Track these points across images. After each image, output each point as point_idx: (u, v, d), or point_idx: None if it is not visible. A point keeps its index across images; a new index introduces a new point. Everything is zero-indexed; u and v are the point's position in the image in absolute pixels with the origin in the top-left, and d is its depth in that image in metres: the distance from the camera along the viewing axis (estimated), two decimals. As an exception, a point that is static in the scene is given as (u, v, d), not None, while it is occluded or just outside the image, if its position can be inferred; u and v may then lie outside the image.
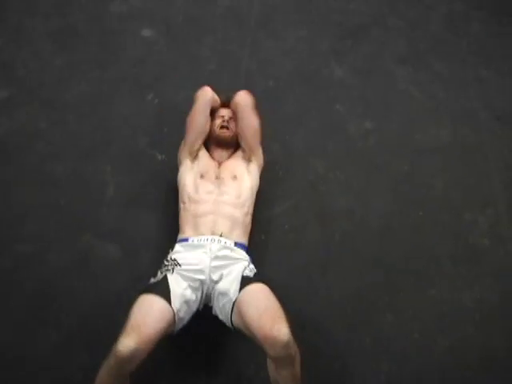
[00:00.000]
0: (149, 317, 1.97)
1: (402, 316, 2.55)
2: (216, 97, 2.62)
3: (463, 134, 3.17)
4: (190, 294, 2.15)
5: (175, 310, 2.05)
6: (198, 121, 2.56)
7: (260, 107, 2.89)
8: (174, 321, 2.05)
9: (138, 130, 2.95)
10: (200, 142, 2.59)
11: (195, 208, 2.40)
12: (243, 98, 2.56)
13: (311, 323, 2.48)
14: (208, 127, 2.61)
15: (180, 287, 2.13)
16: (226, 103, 2.66)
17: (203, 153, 2.62)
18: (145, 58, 3.26)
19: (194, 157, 2.57)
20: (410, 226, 2.82)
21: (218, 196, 2.44)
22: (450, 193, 2.95)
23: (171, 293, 2.07)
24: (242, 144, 2.62)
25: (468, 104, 3.32)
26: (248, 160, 2.59)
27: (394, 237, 2.78)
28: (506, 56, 3.56)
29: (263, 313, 1.98)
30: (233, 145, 2.68)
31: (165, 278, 2.15)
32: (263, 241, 2.67)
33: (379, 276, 2.65)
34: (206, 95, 2.56)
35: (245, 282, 2.15)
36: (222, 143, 2.66)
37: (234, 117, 2.62)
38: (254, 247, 2.48)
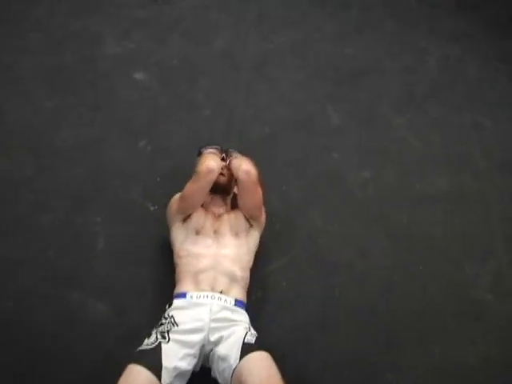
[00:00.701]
0: None
1: (404, 377, 2.44)
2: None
3: (462, 182, 3.11)
4: (185, 365, 2.04)
5: None
6: (199, 198, 2.44)
7: (256, 155, 2.79)
8: None
9: (131, 179, 2.85)
10: (199, 206, 2.49)
11: (194, 263, 2.31)
12: (247, 176, 2.37)
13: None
14: None
15: (175, 359, 2.02)
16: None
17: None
18: (137, 102, 3.17)
19: (187, 217, 2.46)
20: (411, 279, 2.72)
21: (218, 249, 2.36)
22: (450, 244, 2.87)
23: (163, 368, 1.95)
24: (243, 212, 2.51)
25: (466, 151, 3.26)
26: (249, 224, 2.50)
27: (395, 292, 2.68)
28: (503, 103, 3.53)
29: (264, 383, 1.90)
30: (229, 191, 2.59)
31: (158, 348, 2.03)
32: (260, 298, 2.55)
33: (380, 334, 2.54)
34: (212, 176, 2.35)
35: (246, 349, 2.05)
36: (219, 190, 2.55)
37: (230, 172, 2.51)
38: (250, 304, 2.38)
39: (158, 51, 3.42)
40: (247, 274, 2.40)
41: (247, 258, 2.43)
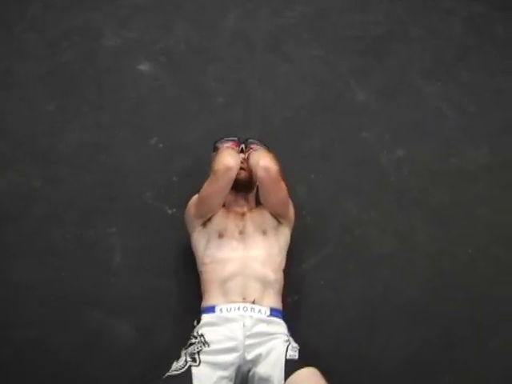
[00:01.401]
0: None
1: (462, 375, 2.23)
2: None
3: (506, 153, 2.86)
4: None
5: None
6: (219, 200, 2.21)
7: (278, 143, 2.63)
8: None
9: (144, 181, 2.62)
10: (219, 209, 2.26)
11: (220, 269, 2.10)
12: (266, 173, 2.12)
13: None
14: None
15: (208, 383, 1.79)
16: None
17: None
18: (145, 96, 2.93)
19: (207, 220, 2.23)
20: (461, 266, 2.51)
21: (245, 252, 2.14)
22: (498, 221, 2.64)
23: None
24: (269, 210, 2.27)
25: (505, 116, 3.00)
26: (277, 221, 2.27)
27: (444, 281, 2.46)
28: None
29: None
30: (251, 187, 2.36)
31: (188, 372, 1.82)
32: (297, 302, 2.34)
33: (432, 330, 2.34)
34: (231, 174, 2.11)
35: (290, 366, 1.84)
36: (240, 186, 2.32)
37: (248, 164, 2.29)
38: (286, 310, 2.16)
39: (161, 39, 3.15)
40: (281, 276, 2.18)
41: (279, 259, 2.20)
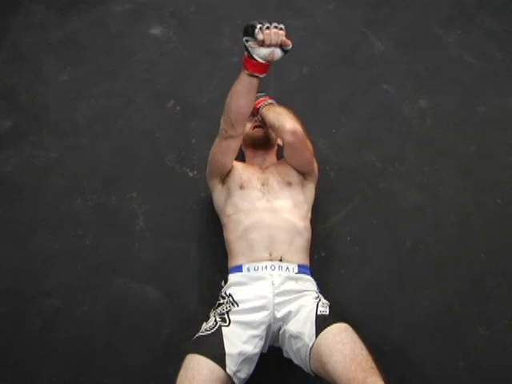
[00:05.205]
0: None
1: (495, 328, 2.17)
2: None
3: (533, 97, 2.74)
4: (251, 349, 1.78)
5: (231, 374, 1.69)
6: (229, 157, 2.11)
7: (297, 99, 2.62)
8: None
9: (163, 145, 2.57)
10: (230, 166, 2.16)
11: (243, 219, 2.02)
12: (294, 137, 2.00)
13: (394, 349, 2.13)
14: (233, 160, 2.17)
15: (238, 343, 1.77)
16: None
17: (236, 165, 2.19)
18: (158, 60, 2.86)
19: (226, 176, 2.16)
20: (491, 217, 2.43)
21: (270, 202, 2.06)
22: (529, 169, 2.54)
23: (226, 355, 1.70)
24: (295, 168, 2.20)
25: (531, 61, 2.87)
26: (303, 177, 2.20)
27: (474, 234, 2.38)
28: None
29: (351, 362, 1.61)
30: (271, 144, 2.31)
31: (218, 332, 1.78)
32: (324, 258, 2.29)
33: (464, 283, 2.27)
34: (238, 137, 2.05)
35: (321, 322, 1.78)
36: (259, 144, 2.28)
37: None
38: (314, 267, 2.10)
39: (171, 1, 3.07)
40: (308, 226, 2.11)
41: (306, 209, 2.13)
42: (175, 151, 2.54)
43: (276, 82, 2.72)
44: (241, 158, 2.37)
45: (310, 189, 2.20)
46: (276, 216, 2.02)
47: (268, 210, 2.04)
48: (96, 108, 2.69)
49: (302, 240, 2.05)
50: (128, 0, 3.06)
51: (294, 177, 2.16)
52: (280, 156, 2.28)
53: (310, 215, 2.15)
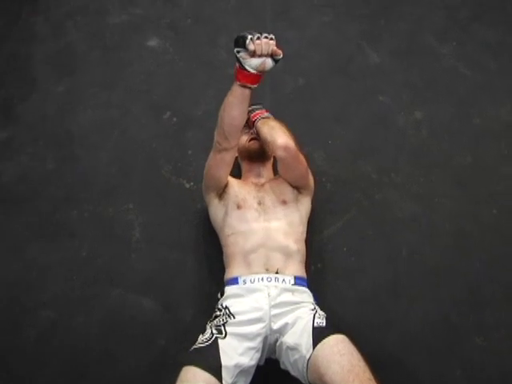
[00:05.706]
0: None
1: (493, 338, 2.18)
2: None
3: (527, 109, 2.76)
4: (247, 361, 1.79)
5: None
6: (223, 171, 2.12)
7: (292, 110, 2.64)
8: None
9: (159, 156, 2.57)
10: (225, 180, 2.16)
11: (242, 242, 2.03)
12: (286, 152, 2.00)
13: (390, 359, 2.12)
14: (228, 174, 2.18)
15: (235, 355, 1.77)
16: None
17: (232, 182, 2.20)
18: (155, 72, 2.87)
19: (222, 192, 2.17)
20: (486, 227, 2.43)
21: (266, 222, 2.07)
22: (523, 180, 2.55)
23: (222, 367, 1.70)
24: (289, 182, 2.20)
25: (526, 73, 2.89)
26: (298, 191, 2.20)
27: (469, 243, 2.39)
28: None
29: (348, 373, 1.61)
30: (267, 156, 2.31)
31: (215, 344, 1.78)
32: (320, 269, 2.30)
33: (460, 292, 2.28)
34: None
35: (318, 334, 1.78)
36: (255, 157, 2.29)
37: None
38: (309, 278, 2.10)
39: (168, 13, 3.09)
40: (303, 247, 2.12)
41: (301, 229, 2.14)
42: (172, 162, 2.55)
43: (271, 93, 2.73)
44: (237, 170, 2.38)
45: (306, 203, 2.20)
46: (272, 237, 2.03)
47: (265, 230, 2.05)
48: (92, 119, 2.70)
49: (298, 256, 2.07)
50: (125, 12, 3.08)
51: (288, 194, 2.16)
52: (277, 168, 2.29)
53: (305, 236, 2.16)
